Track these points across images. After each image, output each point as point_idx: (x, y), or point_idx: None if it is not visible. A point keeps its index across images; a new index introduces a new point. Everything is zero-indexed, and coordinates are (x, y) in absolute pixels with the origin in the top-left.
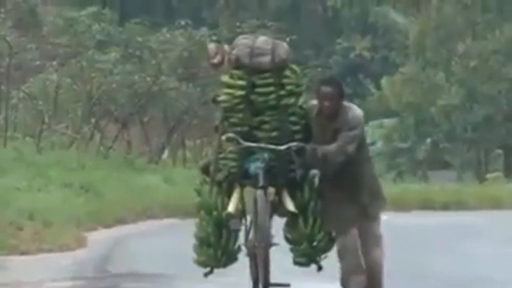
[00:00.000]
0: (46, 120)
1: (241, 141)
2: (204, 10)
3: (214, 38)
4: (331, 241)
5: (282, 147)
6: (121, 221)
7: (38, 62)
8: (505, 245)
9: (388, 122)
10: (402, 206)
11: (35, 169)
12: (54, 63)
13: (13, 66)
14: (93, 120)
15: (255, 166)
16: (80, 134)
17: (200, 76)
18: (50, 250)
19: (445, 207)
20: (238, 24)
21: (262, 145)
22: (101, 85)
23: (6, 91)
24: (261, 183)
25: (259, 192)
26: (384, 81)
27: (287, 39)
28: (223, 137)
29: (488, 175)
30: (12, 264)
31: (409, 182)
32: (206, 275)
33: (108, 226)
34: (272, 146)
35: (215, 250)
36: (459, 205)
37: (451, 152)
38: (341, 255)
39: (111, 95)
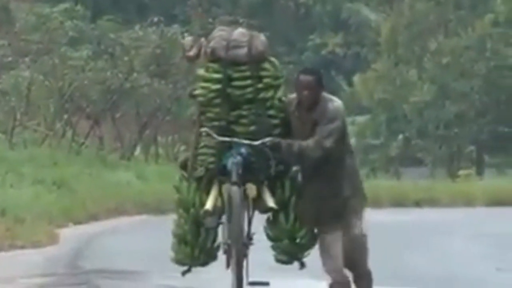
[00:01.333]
0: (18, 116)
1: (215, 135)
2: (176, 7)
3: (186, 34)
4: (313, 237)
5: (256, 142)
6: (93, 217)
7: (10, 59)
8: (476, 242)
9: (360, 118)
10: (374, 202)
11: (7, 165)
12: (27, 59)
13: None
14: (65, 117)
15: (231, 162)
16: (53, 131)
17: (172, 73)
18: (22, 247)
19: (418, 203)
20: (210, 20)
21: (236, 139)
22: (73, 82)
23: None
24: (233, 178)
25: (234, 189)
26: (356, 78)
27: None
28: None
29: (460, 172)
30: None
31: (381, 178)
32: (183, 274)
33: (80, 222)
34: (246, 141)
35: (192, 248)
36: (431, 202)
37: (423, 149)
38: (322, 253)
39: (83, 92)
